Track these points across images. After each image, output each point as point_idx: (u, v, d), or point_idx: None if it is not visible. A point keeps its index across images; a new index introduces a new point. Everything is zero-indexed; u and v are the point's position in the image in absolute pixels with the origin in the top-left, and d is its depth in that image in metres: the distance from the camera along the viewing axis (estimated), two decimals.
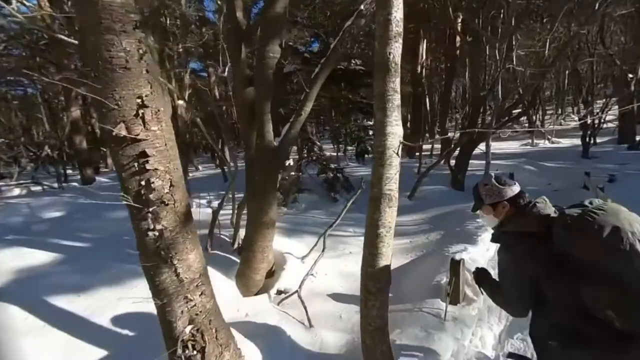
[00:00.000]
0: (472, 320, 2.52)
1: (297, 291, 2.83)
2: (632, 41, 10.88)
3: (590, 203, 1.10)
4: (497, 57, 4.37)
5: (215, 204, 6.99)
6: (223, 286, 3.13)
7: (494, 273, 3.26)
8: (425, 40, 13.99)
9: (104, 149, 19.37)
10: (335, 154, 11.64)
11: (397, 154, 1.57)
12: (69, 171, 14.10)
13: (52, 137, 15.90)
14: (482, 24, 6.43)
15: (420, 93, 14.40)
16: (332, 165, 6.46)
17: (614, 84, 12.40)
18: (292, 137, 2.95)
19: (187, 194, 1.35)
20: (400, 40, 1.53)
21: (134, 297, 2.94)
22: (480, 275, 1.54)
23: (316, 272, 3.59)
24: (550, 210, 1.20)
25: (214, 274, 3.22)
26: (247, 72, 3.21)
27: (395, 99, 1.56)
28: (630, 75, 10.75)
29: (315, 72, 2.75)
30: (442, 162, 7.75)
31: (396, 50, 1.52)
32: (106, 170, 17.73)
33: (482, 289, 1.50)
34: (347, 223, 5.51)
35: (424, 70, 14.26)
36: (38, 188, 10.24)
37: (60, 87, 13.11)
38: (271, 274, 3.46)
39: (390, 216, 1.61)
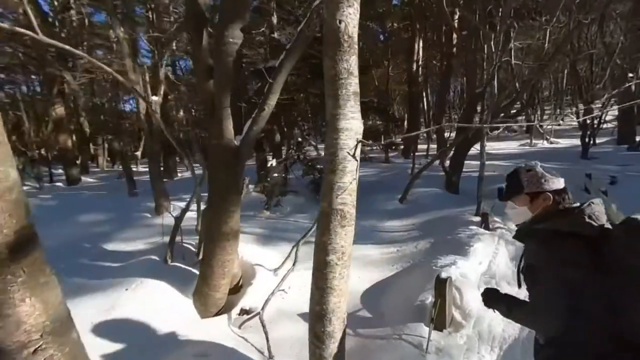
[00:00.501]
0: (459, 351, 2.15)
1: (259, 313, 2.45)
2: (634, 34, 10.52)
3: None
4: (493, 50, 4.01)
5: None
6: (179, 305, 2.75)
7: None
8: (421, 38, 13.63)
9: (95, 147, 18.96)
10: None
11: (354, 156, 1.19)
12: (60, 171, 13.64)
13: (39, 136, 15.48)
14: (479, 18, 6.06)
15: (417, 92, 14.04)
16: (318, 166, 6.07)
17: (613, 84, 12.09)
18: (255, 135, 2.57)
19: (25, 214, 0.94)
20: (357, 6, 1.15)
21: (76, 319, 2.56)
22: (490, 295, 1.31)
23: (289, 286, 3.21)
24: (604, 217, 1.02)
25: (169, 291, 2.84)
26: (209, 61, 2.82)
27: (351, 84, 1.19)
28: (631, 74, 10.44)
29: (280, 60, 2.37)
30: (438, 162, 7.37)
31: (350, 18, 1.14)
32: (97, 169, 17.31)
33: (495, 310, 1.26)
34: None
35: (420, 69, 13.88)
36: None
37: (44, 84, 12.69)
38: (237, 290, 3.08)
39: (342, 239, 1.23)
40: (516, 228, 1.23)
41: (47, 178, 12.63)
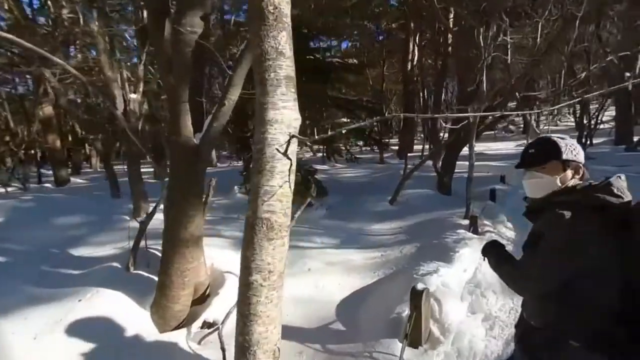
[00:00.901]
0: None
1: (218, 327, 2.23)
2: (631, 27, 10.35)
3: None
4: (482, 45, 3.81)
5: None
6: (136, 318, 2.52)
7: (471, 301, 2.66)
8: (416, 37, 13.45)
9: (90, 148, 18.68)
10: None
11: (286, 154, 0.98)
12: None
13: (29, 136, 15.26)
14: (472, 14, 5.87)
15: (412, 92, 13.85)
16: (306, 167, 5.85)
17: (610, 84, 11.93)
18: (216, 132, 2.36)
19: None
20: None
21: (19, 332, 2.35)
22: (490, 246, 1.27)
23: None
24: (629, 194, 0.99)
25: (126, 302, 2.62)
26: (171, 53, 2.62)
27: (281, 67, 0.98)
28: (628, 74, 10.26)
29: (240, 50, 2.16)
30: (431, 163, 7.16)
31: None
32: (90, 170, 17.05)
33: (487, 259, 1.25)
34: (315, 232, 4.92)
35: (415, 69, 13.70)
36: (3, 190, 9.64)
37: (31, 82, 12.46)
38: (204, 300, 2.86)
39: (269, 254, 1.02)
40: (527, 205, 1.17)
41: (36, 179, 12.42)
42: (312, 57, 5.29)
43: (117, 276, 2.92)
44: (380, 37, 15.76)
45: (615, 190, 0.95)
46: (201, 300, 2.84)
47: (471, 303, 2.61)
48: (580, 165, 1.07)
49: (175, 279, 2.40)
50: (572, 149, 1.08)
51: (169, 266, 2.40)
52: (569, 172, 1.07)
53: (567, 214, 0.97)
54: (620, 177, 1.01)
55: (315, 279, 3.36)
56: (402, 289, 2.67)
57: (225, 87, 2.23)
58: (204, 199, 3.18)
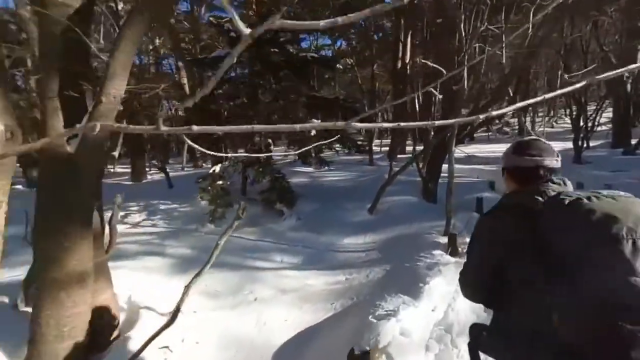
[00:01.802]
0: None
1: None
2: (627, 38, 9.94)
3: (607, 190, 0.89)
4: (464, 35, 3.29)
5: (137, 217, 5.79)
6: None
7: (438, 352, 2.13)
8: (408, 36, 12.91)
9: None
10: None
11: None
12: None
13: None
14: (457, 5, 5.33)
15: (402, 91, 13.31)
16: (273, 172, 5.27)
17: (608, 84, 11.50)
18: (101, 137, 1.79)
19: None
20: None
21: None
22: None
23: (182, 339, 2.43)
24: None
25: None
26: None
27: None
28: (626, 75, 9.83)
29: (124, 21, 1.60)
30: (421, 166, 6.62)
31: None
32: None
33: None
34: (278, 247, 4.36)
35: (407, 67, 13.14)
36: None
37: None
38: (110, 343, 2.29)
39: None
40: None
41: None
42: (276, 50, 4.71)
43: None
44: (376, 37, 15.25)
45: (534, 195, 0.95)
46: (106, 345, 2.28)
47: (438, 355, 2.06)
48: (511, 170, 1.04)
49: (46, 330, 1.82)
50: (505, 155, 1.08)
51: (38, 313, 1.83)
52: (506, 178, 1.08)
53: (486, 215, 1.02)
54: (553, 181, 0.98)
55: (258, 313, 2.80)
56: (351, 336, 2.12)
57: (102, 78, 1.66)
58: (107, 223, 2.63)
